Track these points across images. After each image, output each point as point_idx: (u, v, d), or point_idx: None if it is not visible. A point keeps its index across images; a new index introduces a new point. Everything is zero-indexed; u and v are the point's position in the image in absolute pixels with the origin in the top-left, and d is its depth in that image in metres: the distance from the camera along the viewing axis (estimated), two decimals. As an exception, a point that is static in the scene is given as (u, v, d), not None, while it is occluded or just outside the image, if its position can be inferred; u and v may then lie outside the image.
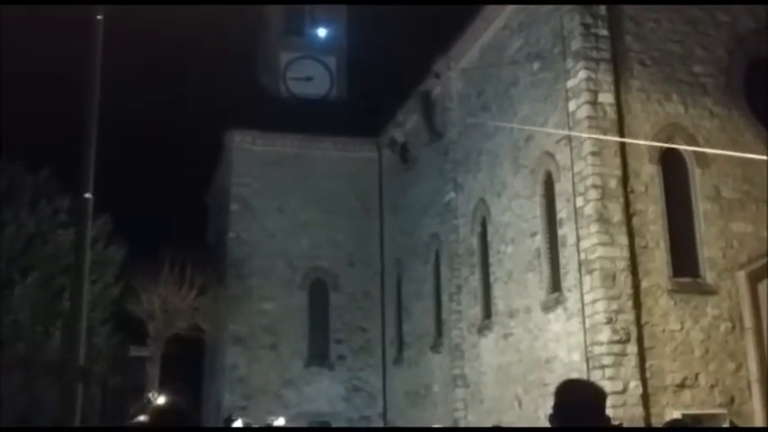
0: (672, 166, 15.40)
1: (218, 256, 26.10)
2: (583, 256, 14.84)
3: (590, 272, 14.60)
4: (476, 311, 19.63)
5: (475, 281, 19.82)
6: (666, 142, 15.13)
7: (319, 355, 25.86)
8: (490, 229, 19.13)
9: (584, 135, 14.98)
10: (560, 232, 15.93)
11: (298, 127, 26.46)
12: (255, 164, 26.47)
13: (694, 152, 15.30)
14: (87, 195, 8.15)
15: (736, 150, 15.24)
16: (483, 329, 19.08)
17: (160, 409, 5.34)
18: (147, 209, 27.56)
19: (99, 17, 8.50)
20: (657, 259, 14.80)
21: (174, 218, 28.58)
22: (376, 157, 27.21)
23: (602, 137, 14.84)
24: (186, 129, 30.58)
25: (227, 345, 25.20)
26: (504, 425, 16.29)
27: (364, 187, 26.94)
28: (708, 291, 14.87)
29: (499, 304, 18.41)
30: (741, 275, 14.95)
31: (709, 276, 14.99)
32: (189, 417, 4.49)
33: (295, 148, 26.70)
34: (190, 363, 27.04)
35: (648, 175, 15.17)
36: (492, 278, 18.87)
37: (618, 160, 14.94)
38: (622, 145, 14.95)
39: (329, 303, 26.29)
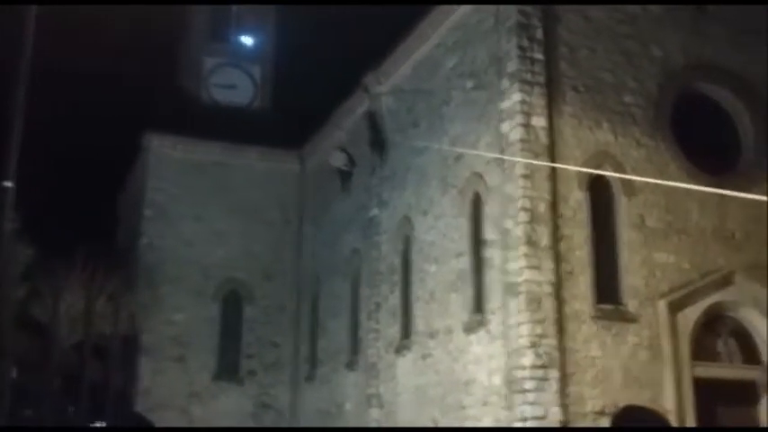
0: (599, 193, 15.54)
1: (128, 262, 25.29)
2: (509, 278, 14.79)
3: (516, 295, 14.55)
4: (394, 330, 19.39)
5: (395, 299, 19.58)
6: (595, 169, 15.25)
7: (229, 370, 25.24)
8: (414, 248, 18.97)
9: (517, 159, 14.96)
10: (486, 253, 15.86)
11: (219, 134, 26.00)
12: (173, 169, 25.81)
13: (621, 180, 15.50)
14: (8, 184, 7.62)
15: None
16: (401, 349, 18.85)
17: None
18: (57, 208, 26.54)
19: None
20: (582, 285, 14.86)
21: (85, 219, 27.61)
22: (298, 168, 26.89)
23: (533, 161, 14.86)
24: (103, 129, 29.68)
25: (133, 354, 24.33)
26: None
27: (285, 199, 26.57)
28: (629, 318, 14.99)
29: (419, 324, 18.22)
30: (662, 305, 15.13)
31: (630, 304, 15.12)
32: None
33: (216, 156, 26.19)
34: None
35: (576, 200, 15.26)
36: (413, 297, 18.67)
37: (548, 184, 14.98)
38: (553, 169, 15.01)
39: (242, 316, 25.74)
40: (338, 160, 22.76)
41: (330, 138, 24.77)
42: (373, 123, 21.43)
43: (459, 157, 17.14)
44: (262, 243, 25.97)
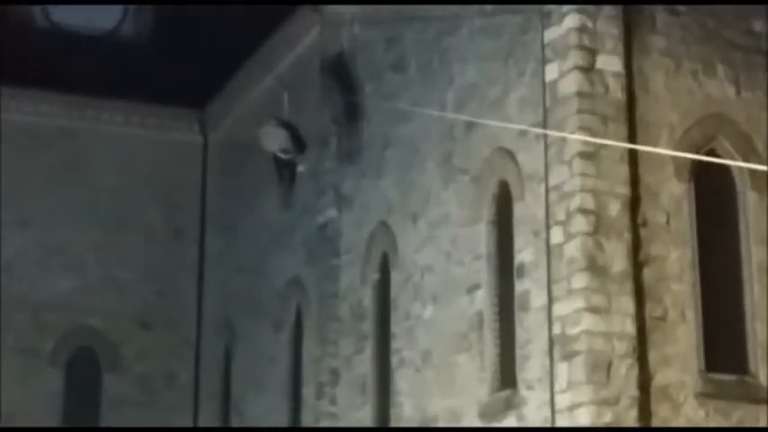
0: (712, 185, 15.63)
1: None
2: (558, 329, 14.80)
3: (569, 357, 14.57)
4: (363, 416, 19.53)
5: (364, 363, 19.77)
6: (706, 143, 15.36)
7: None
8: (396, 276, 19.12)
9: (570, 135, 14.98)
10: (519, 286, 15.94)
11: (64, 83, 26.30)
12: (-16, 140, 25.92)
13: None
14: None
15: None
16: (375, 449, 19.04)
17: None
18: None
19: None
20: (681, 341, 14.94)
21: None
22: (199, 141, 27.27)
23: (594, 140, 14.84)
24: None
25: None
26: None
27: (176, 192, 26.92)
28: (761, 398, 15.05)
29: (405, 406, 18.30)
30: (814, 375, 15.27)
31: (763, 374, 15.19)
32: None
33: (58, 118, 26.51)
34: None
35: (673, 197, 15.36)
36: (395, 360, 18.78)
37: (625, 170, 15.00)
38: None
39: (101, 392, 25.94)
40: (273, 141, 22.48)
41: (253, 91, 24.99)
42: (329, 66, 21.48)
43: (472, 124, 17.12)
44: (136, 267, 26.17)
